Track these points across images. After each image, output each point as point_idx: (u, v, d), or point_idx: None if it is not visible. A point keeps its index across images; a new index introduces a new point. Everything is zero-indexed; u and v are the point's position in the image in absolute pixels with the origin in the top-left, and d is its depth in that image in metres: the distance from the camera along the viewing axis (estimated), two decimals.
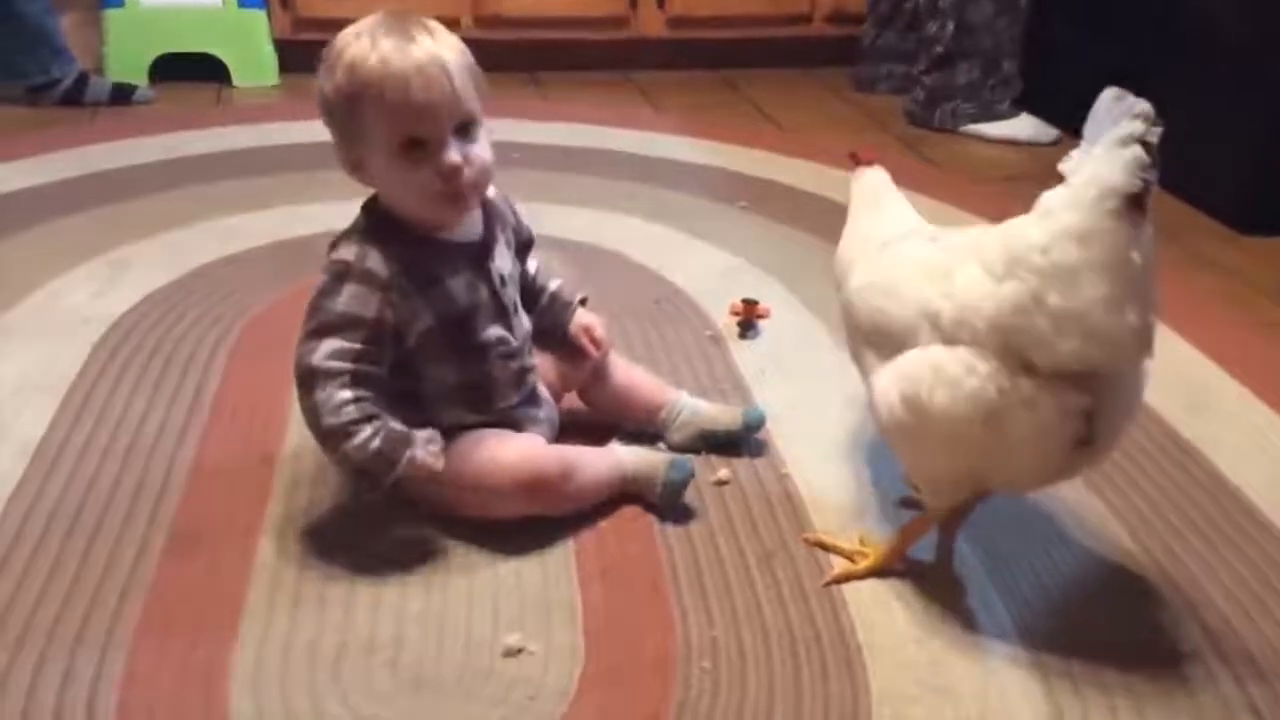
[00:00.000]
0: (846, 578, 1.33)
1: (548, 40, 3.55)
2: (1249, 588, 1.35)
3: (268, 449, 1.54)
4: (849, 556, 1.36)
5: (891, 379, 1.23)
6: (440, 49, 1.28)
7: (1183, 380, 1.81)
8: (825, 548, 1.38)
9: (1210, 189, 2.60)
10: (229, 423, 1.61)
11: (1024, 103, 3.13)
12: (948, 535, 1.38)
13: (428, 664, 1.19)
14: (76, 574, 1.30)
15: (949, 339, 1.17)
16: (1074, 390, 1.13)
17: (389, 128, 1.27)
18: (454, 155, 1.28)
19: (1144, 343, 1.14)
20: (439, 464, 1.32)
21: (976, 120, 3.14)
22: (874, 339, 1.29)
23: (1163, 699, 1.18)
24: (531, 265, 1.55)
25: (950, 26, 3.13)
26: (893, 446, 1.30)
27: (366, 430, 1.28)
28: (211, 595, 1.27)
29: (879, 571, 1.34)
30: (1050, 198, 1.13)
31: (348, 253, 1.32)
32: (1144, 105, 1.07)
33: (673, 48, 3.67)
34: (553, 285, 1.57)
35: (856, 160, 1.54)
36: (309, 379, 1.29)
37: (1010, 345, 1.13)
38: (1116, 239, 1.08)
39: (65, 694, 1.13)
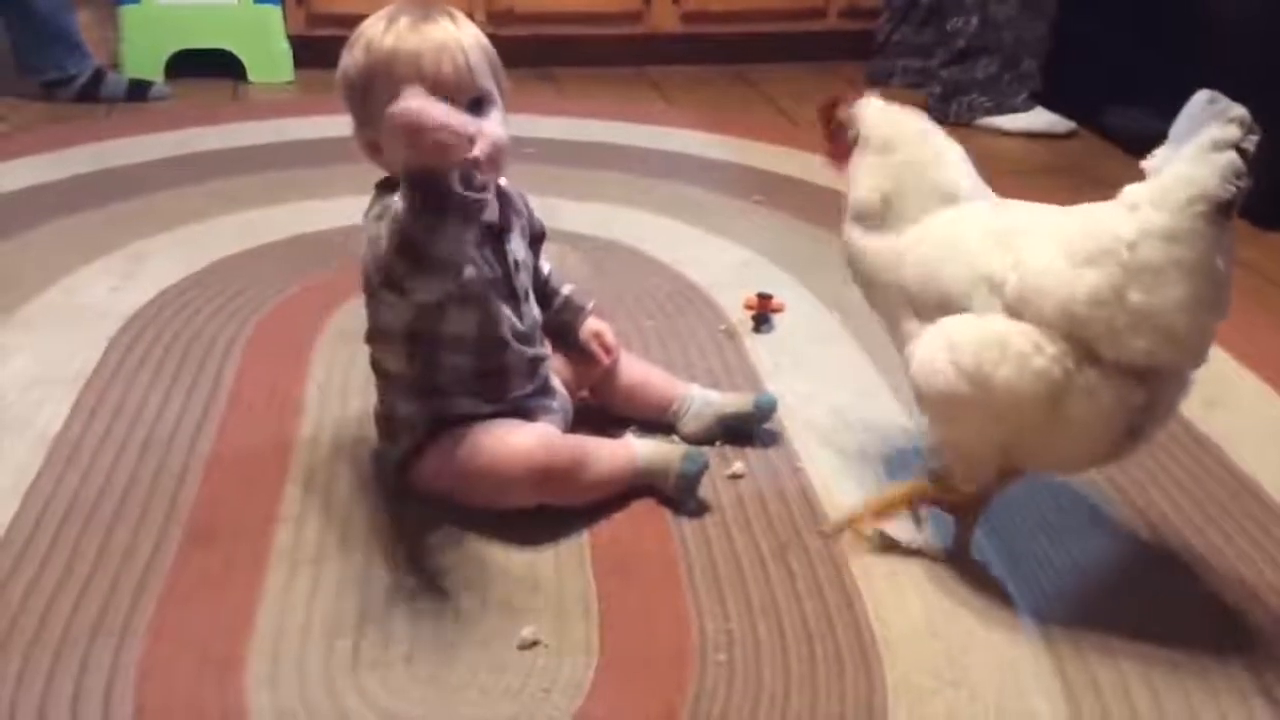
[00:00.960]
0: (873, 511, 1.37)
1: (561, 36, 3.54)
2: (1265, 579, 1.34)
3: (284, 441, 1.55)
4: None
5: (941, 346, 1.23)
6: (459, 33, 1.30)
7: (1201, 375, 1.79)
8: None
9: None
10: (245, 415, 1.61)
11: (1039, 95, 3.12)
12: (966, 526, 1.37)
13: (444, 657, 1.19)
14: (94, 566, 1.30)
15: (1010, 311, 1.18)
16: (1134, 384, 1.15)
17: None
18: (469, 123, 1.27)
19: (1210, 345, 1.15)
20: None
21: (992, 113, 3.13)
22: (920, 297, 1.27)
23: (1180, 691, 1.17)
24: (545, 267, 1.56)
25: (975, 21, 3.12)
26: (933, 416, 1.29)
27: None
28: (228, 587, 1.28)
29: (906, 501, 1.37)
30: (1137, 192, 1.13)
31: (378, 206, 1.31)
32: (1240, 110, 1.07)
33: (686, 43, 3.66)
34: (566, 289, 1.57)
35: (836, 106, 1.45)
36: (394, 264, 1.21)
37: (1076, 333, 1.14)
38: (1205, 243, 1.09)
39: (82, 684, 1.13)
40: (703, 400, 1.58)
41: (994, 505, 1.37)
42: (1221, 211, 1.07)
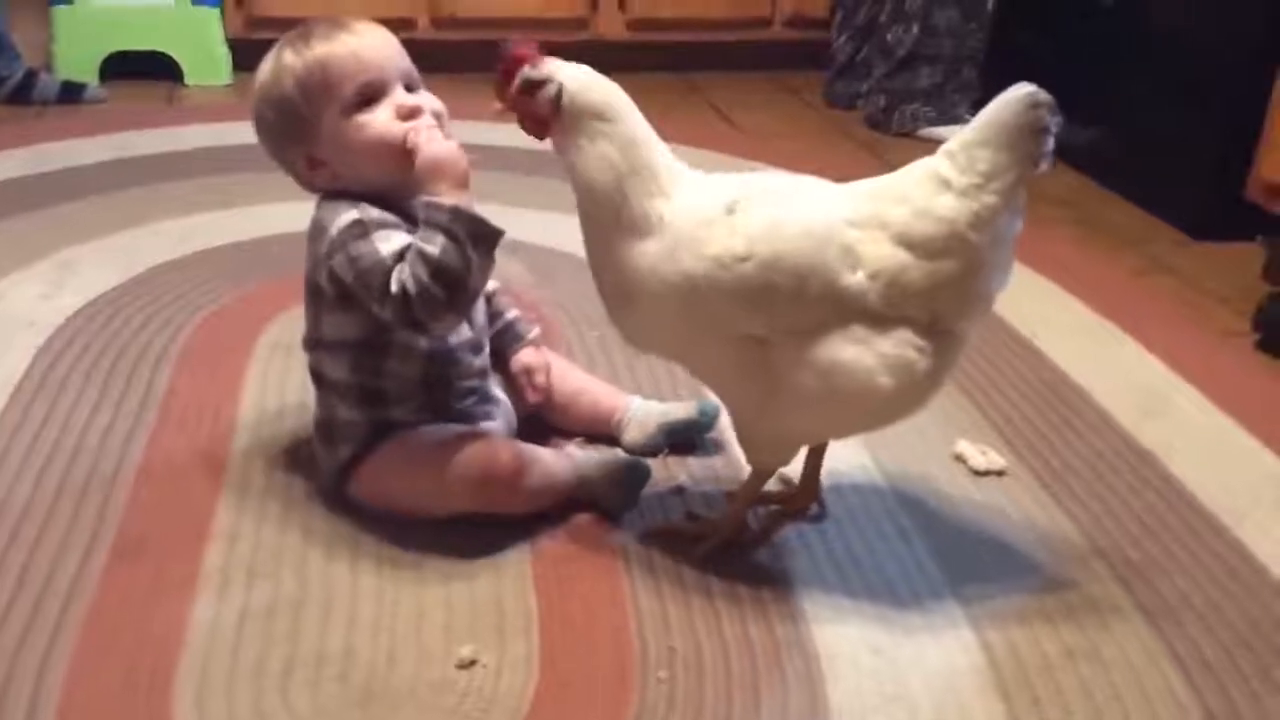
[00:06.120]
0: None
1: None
2: (1205, 593, 1.35)
3: (217, 454, 1.51)
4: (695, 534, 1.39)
5: (820, 371, 1.21)
6: (375, 26, 1.36)
7: (1138, 386, 1.82)
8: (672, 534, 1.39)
9: (1166, 196, 2.62)
10: (177, 428, 1.57)
11: (980, 105, 3.13)
12: (815, 464, 1.44)
13: (378, 676, 1.16)
14: (18, 581, 1.26)
15: (877, 318, 1.20)
16: (959, 342, 1.26)
17: (345, 89, 1.30)
18: (409, 97, 1.33)
19: None
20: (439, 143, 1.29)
21: (935, 124, 3.15)
22: (771, 317, 1.22)
23: (1118, 705, 1.17)
24: (491, 284, 1.53)
25: (915, 30, 3.14)
26: (794, 424, 1.29)
27: (422, 240, 1.24)
28: (157, 604, 1.24)
29: (733, 539, 1.37)
30: (953, 174, 1.20)
31: (349, 215, 1.31)
32: (1048, 97, 1.17)
33: (633, 50, 3.65)
34: (510, 314, 1.55)
35: (519, 60, 1.25)
36: (420, 304, 1.24)
37: (930, 313, 1.21)
38: (1020, 219, 1.22)
39: (3, 705, 1.09)
40: (645, 410, 1.57)
41: (936, 522, 1.38)
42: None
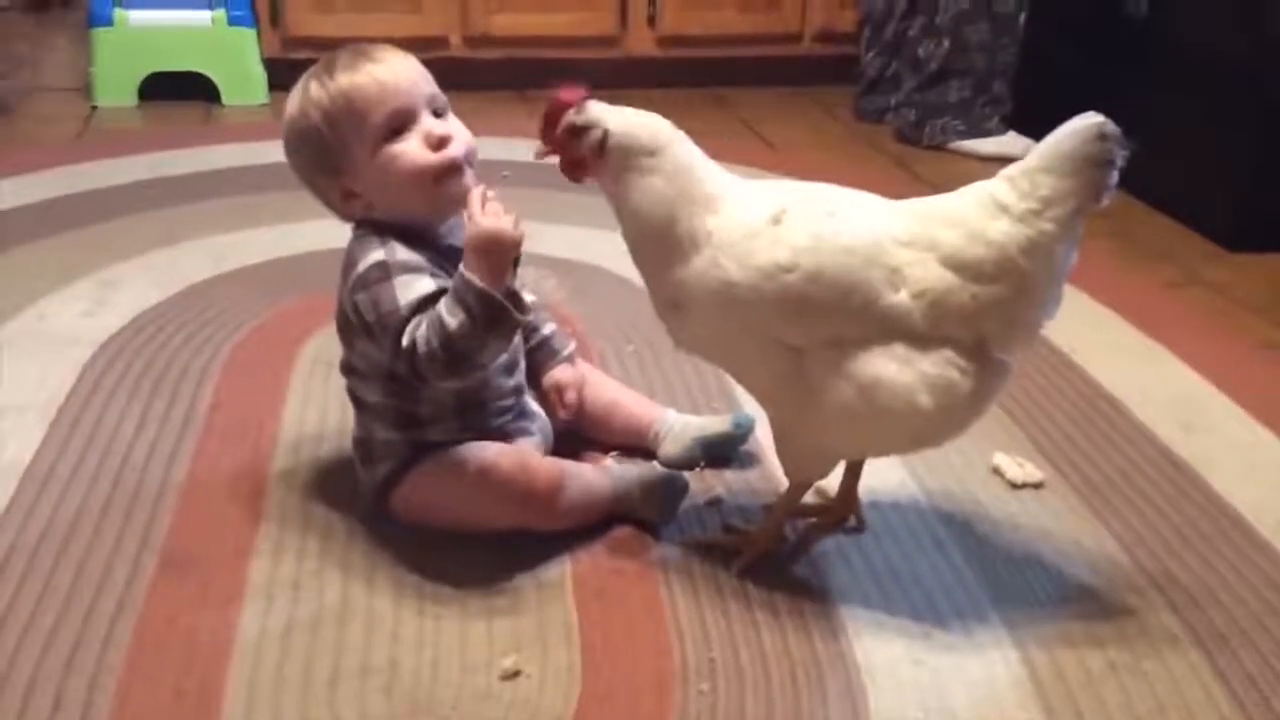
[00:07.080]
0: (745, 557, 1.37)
1: (538, 59, 3.54)
2: (1247, 606, 1.34)
3: (259, 470, 1.53)
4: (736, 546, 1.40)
5: (859, 386, 1.22)
6: (401, 53, 1.36)
7: (1175, 399, 1.82)
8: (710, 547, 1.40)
9: (1199, 207, 2.61)
10: (220, 443, 1.60)
11: (1011, 120, 3.14)
12: (852, 477, 1.44)
13: (423, 687, 1.18)
14: (67, 598, 1.28)
15: (920, 337, 1.20)
16: (1005, 366, 1.26)
17: (372, 119, 1.30)
18: (437, 125, 1.33)
19: None
20: (498, 220, 1.25)
21: (965, 137, 3.15)
22: (806, 334, 1.23)
23: (1161, 718, 1.17)
24: (529, 297, 1.55)
25: (946, 44, 3.15)
26: (832, 438, 1.30)
27: (445, 309, 1.24)
28: (204, 619, 1.26)
29: (771, 552, 1.38)
30: (1012, 198, 1.19)
31: (375, 254, 1.32)
32: (1115, 128, 1.17)
33: (663, 66, 3.67)
34: (547, 329, 1.56)
35: (564, 105, 1.28)
36: (425, 364, 1.26)
37: (975, 336, 1.21)
38: (1077, 248, 1.23)
39: None
40: (681, 423, 1.58)
41: (975, 534, 1.38)
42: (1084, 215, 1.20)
